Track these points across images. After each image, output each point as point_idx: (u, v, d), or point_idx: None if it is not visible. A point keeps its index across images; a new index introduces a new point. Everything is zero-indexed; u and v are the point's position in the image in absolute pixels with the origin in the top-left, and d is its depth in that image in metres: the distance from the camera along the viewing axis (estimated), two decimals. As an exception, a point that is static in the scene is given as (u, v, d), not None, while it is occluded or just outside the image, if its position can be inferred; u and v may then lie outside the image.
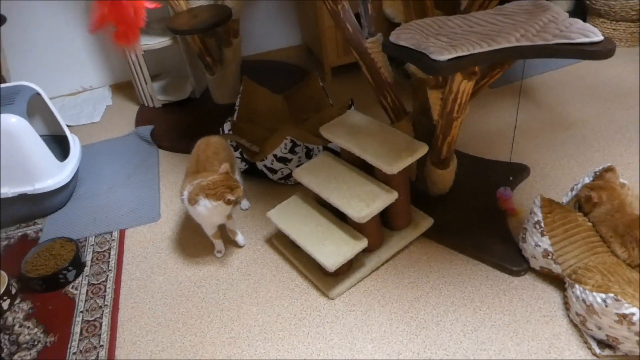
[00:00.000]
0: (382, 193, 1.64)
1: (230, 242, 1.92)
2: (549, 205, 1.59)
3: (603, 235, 1.56)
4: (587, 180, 1.67)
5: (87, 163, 2.42)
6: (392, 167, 1.58)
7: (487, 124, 2.39)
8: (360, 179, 1.71)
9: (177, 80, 2.89)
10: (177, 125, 2.59)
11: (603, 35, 1.21)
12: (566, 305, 1.55)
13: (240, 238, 1.90)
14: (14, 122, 1.94)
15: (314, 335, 1.57)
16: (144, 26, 2.63)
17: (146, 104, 2.78)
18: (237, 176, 1.89)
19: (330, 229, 1.70)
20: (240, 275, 1.80)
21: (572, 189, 1.73)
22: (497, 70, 1.49)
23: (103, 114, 2.85)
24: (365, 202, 1.62)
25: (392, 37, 1.38)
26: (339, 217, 1.73)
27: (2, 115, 1.92)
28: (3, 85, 2.18)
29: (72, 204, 2.21)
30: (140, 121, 2.68)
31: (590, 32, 1.21)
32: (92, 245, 2.01)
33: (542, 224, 1.56)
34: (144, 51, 2.56)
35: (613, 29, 2.75)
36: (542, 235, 1.56)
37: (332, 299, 1.67)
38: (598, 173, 1.65)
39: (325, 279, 1.70)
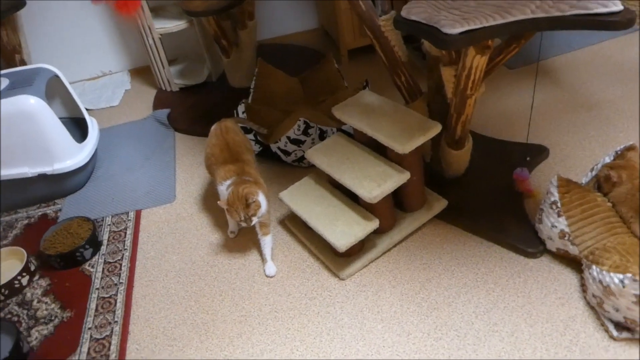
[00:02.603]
0: (394, 173, 1.62)
1: (247, 232, 1.91)
2: (566, 185, 1.54)
3: (623, 215, 1.50)
4: (607, 159, 1.62)
5: (106, 145, 2.46)
6: (404, 147, 1.55)
7: (505, 105, 2.34)
8: (373, 159, 1.69)
9: (194, 64, 2.91)
10: (194, 109, 2.61)
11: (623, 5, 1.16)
12: (583, 287, 1.51)
13: (270, 268, 1.73)
14: (33, 103, 1.97)
15: (324, 314, 1.57)
16: (162, 10, 2.67)
17: (164, 88, 2.81)
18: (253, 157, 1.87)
19: (342, 210, 1.69)
20: (252, 255, 1.81)
21: (591, 169, 1.68)
22: (513, 45, 1.44)
23: (122, 98, 2.88)
24: (376, 182, 1.60)
25: (404, 12, 1.35)
26: (351, 199, 1.71)
27: (21, 96, 1.96)
28: (23, 67, 2.22)
29: (90, 184, 2.25)
30: (157, 105, 2.70)
31: (609, 2, 1.16)
32: (109, 225, 2.04)
33: (559, 204, 1.52)
34: (161, 35, 2.57)
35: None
36: (559, 215, 1.52)
37: (343, 279, 1.67)
38: (619, 152, 1.59)
39: (336, 259, 1.70)
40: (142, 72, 3.06)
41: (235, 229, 1.89)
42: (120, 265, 1.85)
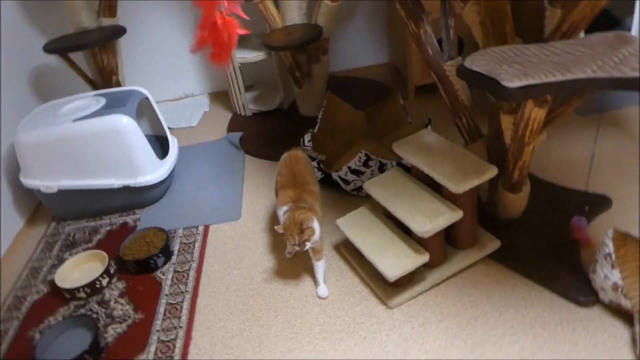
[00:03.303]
0: (447, 211, 1.69)
1: (303, 255, 2.00)
2: (622, 238, 1.55)
3: (681, 275, 1.49)
4: (669, 216, 1.60)
5: (182, 162, 2.69)
6: (458, 187, 1.62)
7: (570, 151, 2.33)
8: (428, 195, 1.77)
9: (268, 92, 3.11)
10: (264, 133, 2.79)
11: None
12: (633, 342, 1.49)
13: (322, 290, 1.83)
14: (125, 122, 2.22)
15: (370, 340, 1.64)
16: (244, 40, 2.90)
17: (238, 112, 3.03)
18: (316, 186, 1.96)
19: (394, 241, 1.78)
20: (306, 277, 1.92)
21: (652, 224, 1.66)
22: (576, 99, 1.49)
23: (200, 119, 3.13)
24: (429, 218, 1.67)
25: (467, 62, 1.44)
26: (404, 231, 1.79)
27: (116, 115, 2.21)
28: (119, 89, 2.50)
29: (166, 198, 2.47)
30: (231, 128, 2.92)
31: (670, 67, 1.19)
32: (180, 237, 2.23)
33: (613, 257, 1.52)
34: (241, 64, 2.80)
35: None
36: (613, 267, 1.52)
37: (391, 308, 1.74)
38: (682, 210, 1.58)
39: (386, 288, 1.78)
40: (220, 96, 3.31)
41: (292, 250, 2.01)
42: (188, 275, 2.03)
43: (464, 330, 1.63)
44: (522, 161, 1.63)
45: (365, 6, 3.15)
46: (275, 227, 1.74)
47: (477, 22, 1.54)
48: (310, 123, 2.72)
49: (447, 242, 1.83)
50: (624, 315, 1.56)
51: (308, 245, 1.72)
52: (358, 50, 3.26)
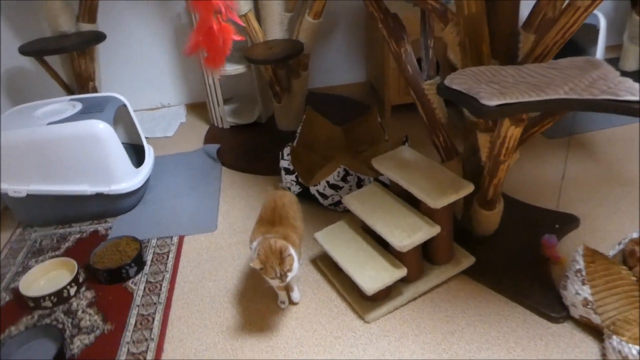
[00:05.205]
0: (425, 226, 1.71)
1: None
2: (592, 255, 1.60)
3: (647, 291, 1.54)
4: (635, 235, 1.67)
5: (157, 172, 2.65)
6: (436, 202, 1.66)
7: (540, 172, 2.41)
8: (406, 211, 1.79)
9: (246, 105, 3.12)
10: (242, 146, 2.79)
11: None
12: (602, 356, 1.54)
13: (295, 295, 1.83)
14: (102, 127, 2.18)
15: (347, 354, 1.64)
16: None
17: (216, 125, 3.02)
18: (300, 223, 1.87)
19: (372, 255, 1.79)
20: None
21: (619, 243, 1.73)
22: (548, 120, 1.55)
23: (176, 130, 3.11)
24: (407, 232, 1.70)
25: (447, 81, 1.48)
26: (382, 246, 1.81)
27: (93, 120, 2.17)
28: (96, 94, 2.46)
29: (140, 207, 2.43)
30: (208, 139, 2.90)
31: (638, 91, 1.26)
32: (154, 247, 2.19)
33: (584, 273, 1.57)
34: (220, 76, 2.80)
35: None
36: (583, 283, 1.57)
37: (368, 322, 1.74)
38: (646, 229, 1.65)
39: (363, 302, 1.78)
40: (197, 108, 3.30)
41: (285, 300, 1.82)
42: (161, 285, 1.98)
43: (440, 345, 1.64)
44: (497, 178, 1.68)
45: (344, 26, 3.22)
46: (251, 264, 1.60)
47: (456, 42, 1.60)
48: (288, 138, 2.73)
49: (424, 257, 1.86)
50: (594, 331, 1.61)
51: (290, 276, 1.62)
52: (336, 68, 3.32)
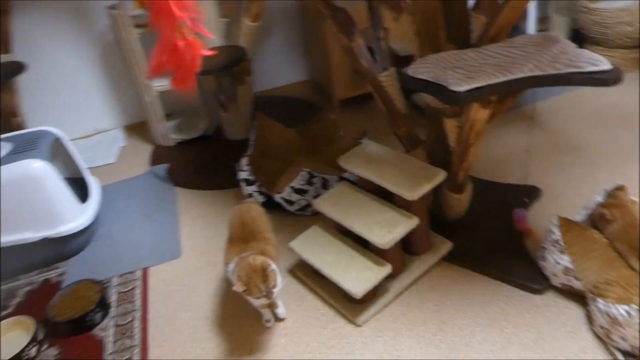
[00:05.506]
0: (403, 219, 1.69)
1: None
2: (566, 224, 1.65)
3: (619, 250, 1.61)
4: (599, 199, 1.73)
5: (106, 203, 2.46)
6: (413, 194, 1.64)
7: (493, 148, 2.47)
8: (381, 206, 1.77)
9: (190, 119, 2.98)
10: (193, 162, 2.66)
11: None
12: (589, 320, 1.58)
13: (281, 310, 1.75)
14: (38, 166, 1.99)
15: (345, 362, 1.59)
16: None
17: (160, 143, 2.86)
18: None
19: (353, 257, 1.75)
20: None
21: (584, 208, 1.79)
22: (511, 98, 1.57)
23: (118, 155, 2.91)
24: (387, 228, 1.67)
25: (410, 71, 1.46)
26: (361, 245, 1.77)
27: (27, 160, 1.98)
28: (26, 130, 2.24)
29: (93, 245, 2.25)
30: (155, 160, 2.74)
31: (598, 61, 1.29)
32: (117, 285, 2.03)
33: (561, 242, 1.61)
34: (159, 92, 2.65)
35: (610, 56, 2.87)
36: (562, 253, 1.61)
37: (360, 325, 1.70)
38: (610, 192, 1.71)
39: (350, 306, 1.74)
40: (137, 128, 3.11)
41: (270, 317, 1.73)
42: (133, 326, 1.84)
43: (435, 336, 1.63)
44: (467, 162, 1.69)
45: (280, 26, 3.15)
46: (234, 288, 1.51)
47: (411, 31, 1.58)
48: (239, 147, 2.63)
49: (403, 250, 1.84)
50: (576, 296, 1.66)
51: (276, 292, 1.54)
52: (277, 69, 3.25)
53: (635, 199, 1.69)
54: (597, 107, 2.66)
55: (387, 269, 1.68)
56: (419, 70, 1.43)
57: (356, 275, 1.67)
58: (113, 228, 2.33)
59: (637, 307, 1.36)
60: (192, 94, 1.39)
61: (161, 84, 2.64)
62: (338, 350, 1.63)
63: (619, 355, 1.47)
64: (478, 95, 1.32)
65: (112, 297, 1.97)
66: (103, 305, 1.89)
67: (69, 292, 1.93)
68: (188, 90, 1.36)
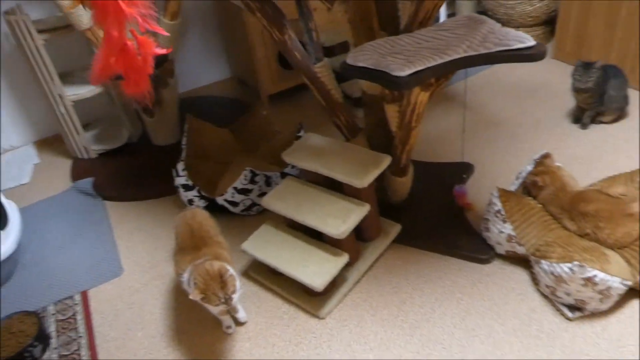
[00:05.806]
0: (355, 207, 1.71)
1: None
2: (505, 194, 1.75)
3: (553, 213, 1.74)
4: (529, 168, 1.86)
5: (27, 228, 2.25)
6: (363, 181, 1.65)
7: (425, 129, 2.56)
8: (330, 197, 1.77)
9: (111, 128, 2.79)
10: (120, 173, 2.49)
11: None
12: (534, 281, 1.70)
13: (241, 314, 1.71)
14: (-55, 195, 1.77)
15: (314, 357, 1.58)
16: (68, 76, 2.55)
17: (80, 156, 2.65)
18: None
19: (309, 251, 1.73)
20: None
21: (517, 178, 1.91)
22: (444, 79, 1.62)
23: (31, 174, 2.66)
24: (340, 218, 1.67)
25: (350, 60, 1.47)
26: (314, 237, 1.76)
27: None
28: None
29: (18, 275, 2.04)
30: (77, 175, 2.54)
31: (524, 38, 1.37)
32: (54, 314, 1.87)
33: (503, 212, 1.71)
34: (73, 102, 2.45)
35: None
36: (504, 222, 1.71)
37: (323, 318, 1.70)
38: (538, 160, 1.84)
39: (311, 300, 1.73)
40: (50, 142, 2.85)
41: (231, 324, 1.68)
42: (80, 355, 1.70)
43: (397, 317, 1.67)
44: (410, 145, 1.73)
45: (197, 24, 3.04)
46: (190, 296, 1.44)
47: (345, 20, 1.59)
48: (169, 152, 2.51)
49: (356, 237, 1.86)
50: (520, 261, 1.77)
51: (236, 297, 1.49)
52: (199, 69, 3.13)
53: (560, 164, 1.84)
54: (510, 83, 2.85)
55: (344, 259, 1.69)
56: (359, 58, 1.44)
57: (315, 268, 1.66)
58: (39, 253, 2.13)
59: (579, 264, 1.48)
60: (144, 98, 1.29)
61: (76, 92, 2.45)
62: (305, 346, 1.62)
63: (565, 310, 1.59)
64: (420, 78, 1.35)
65: (51, 327, 1.81)
66: (42, 338, 1.73)
67: (1, 329, 1.75)
68: (142, 93, 1.26)
